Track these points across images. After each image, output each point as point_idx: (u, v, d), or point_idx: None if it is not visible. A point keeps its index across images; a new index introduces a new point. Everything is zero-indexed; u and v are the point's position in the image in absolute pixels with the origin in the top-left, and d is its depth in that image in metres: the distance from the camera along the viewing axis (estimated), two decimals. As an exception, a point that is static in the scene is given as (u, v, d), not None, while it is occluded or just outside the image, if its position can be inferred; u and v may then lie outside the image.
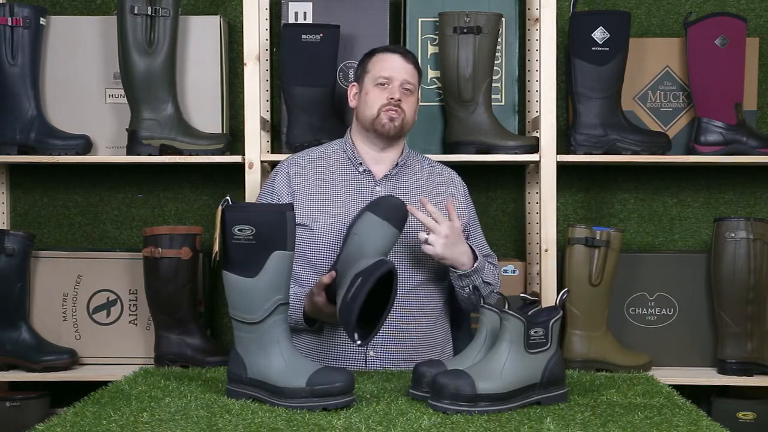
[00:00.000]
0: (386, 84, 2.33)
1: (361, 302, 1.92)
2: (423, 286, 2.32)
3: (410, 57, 2.38)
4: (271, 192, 2.38)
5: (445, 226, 2.19)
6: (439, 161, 2.52)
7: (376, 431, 1.58)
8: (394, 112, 2.32)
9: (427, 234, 2.20)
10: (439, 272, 2.33)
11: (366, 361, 2.27)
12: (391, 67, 2.35)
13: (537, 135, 2.75)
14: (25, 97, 2.76)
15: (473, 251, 2.28)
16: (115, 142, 2.86)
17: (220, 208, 1.82)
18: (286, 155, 2.61)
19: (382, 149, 2.37)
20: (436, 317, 2.35)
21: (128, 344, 2.78)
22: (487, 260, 2.39)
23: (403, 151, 2.40)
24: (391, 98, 2.32)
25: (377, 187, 2.34)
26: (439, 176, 2.43)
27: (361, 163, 2.36)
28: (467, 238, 2.38)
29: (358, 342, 1.98)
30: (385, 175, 2.36)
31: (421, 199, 2.23)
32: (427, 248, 2.20)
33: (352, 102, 2.42)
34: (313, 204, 2.31)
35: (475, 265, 2.25)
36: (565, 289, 1.93)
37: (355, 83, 2.41)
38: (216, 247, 1.83)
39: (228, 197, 1.85)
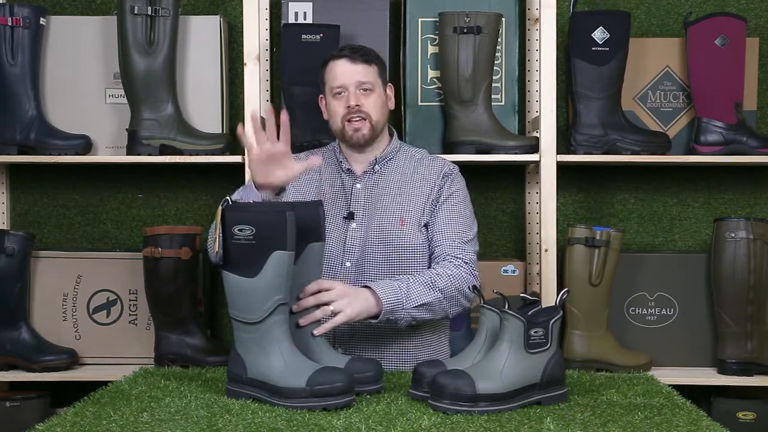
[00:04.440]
0: (341, 92, 2.33)
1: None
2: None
3: (358, 57, 2.33)
4: None
5: (333, 285, 2.04)
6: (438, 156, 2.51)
7: (376, 431, 1.58)
8: (357, 122, 2.31)
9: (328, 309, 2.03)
10: (417, 265, 2.30)
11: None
12: (341, 73, 2.32)
13: (537, 135, 2.75)
14: (25, 97, 2.76)
15: (374, 292, 2.13)
16: (115, 142, 2.86)
17: (219, 208, 1.82)
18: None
19: (361, 152, 2.39)
20: None
21: (128, 344, 2.78)
22: (442, 267, 2.26)
23: (387, 147, 2.40)
24: (349, 106, 2.31)
25: (357, 184, 2.37)
26: (422, 167, 2.40)
27: (343, 162, 2.39)
28: (426, 224, 2.32)
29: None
30: (365, 172, 2.38)
31: (302, 293, 1.99)
32: (340, 318, 2.03)
33: (324, 114, 2.43)
34: (301, 200, 2.32)
35: (384, 308, 2.11)
36: (565, 289, 1.93)
37: (323, 96, 2.42)
38: (216, 247, 1.83)
39: (228, 197, 1.85)
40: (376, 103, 2.34)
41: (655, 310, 2.82)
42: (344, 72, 2.32)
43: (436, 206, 2.34)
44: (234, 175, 2.83)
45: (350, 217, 2.32)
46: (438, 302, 2.20)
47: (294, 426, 1.61)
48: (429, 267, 2.32)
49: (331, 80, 2.34)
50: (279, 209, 1.81)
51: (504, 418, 1.67)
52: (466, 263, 2.28)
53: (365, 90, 2.33)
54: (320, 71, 2.40)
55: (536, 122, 2.78)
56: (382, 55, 2.52)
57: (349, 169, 2.38)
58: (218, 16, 2.89)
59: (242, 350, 1.83)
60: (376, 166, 2.37)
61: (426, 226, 2.34)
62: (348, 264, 2.30)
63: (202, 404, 1.77)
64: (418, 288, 2.18)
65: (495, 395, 1.70)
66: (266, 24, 2.87)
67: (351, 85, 2.32)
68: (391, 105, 2.43)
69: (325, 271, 2.27)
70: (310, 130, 2.74)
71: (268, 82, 2.92)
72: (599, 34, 2.74)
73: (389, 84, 2.43)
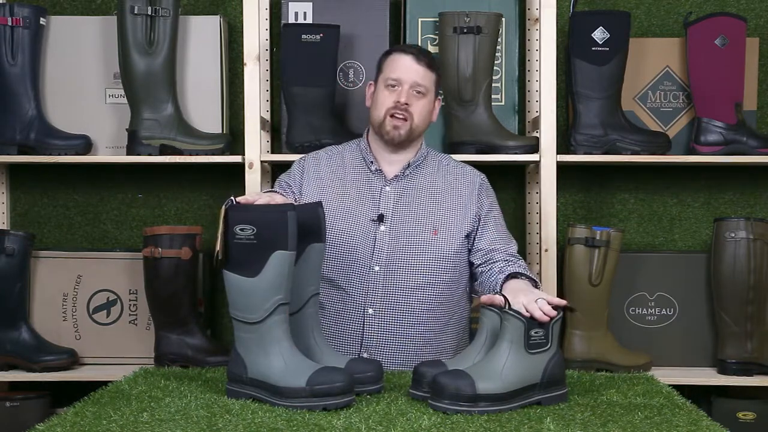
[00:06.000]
0: (395, 86, 2.32)
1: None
2: (427, 287, 2.30)
3: (424, 58, 2.35)
4: (286, 178, 2.41)
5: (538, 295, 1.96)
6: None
7: (376, 431, 1.58)
8: (399, 120, 2.31)
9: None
10: (449, 275, 2.31)
11: None
12: (401, 68, 2.33)
13: (537, 135, 2.75)
14: (25, 97, 2.76)
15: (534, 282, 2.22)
16: (115, 142, 2.86)
17: (223, 207, 1.82)
18: (286, 155, 2.62)
19: (393, 152, 2.37)
20: (444, 322, 2.34)
21: (128, 344, 2.78)
22: (516, 259, 2.36)
23: (419, 152, 2.40)
24: (398, 101, 2.30)
25: (387, 187, 2.35)
26: (453, 177, 2.41)
27: (372, 162, 2.37)
28: (478, 229, 2.36)
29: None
30: (396, 176, 2.36)
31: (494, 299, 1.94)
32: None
33: (368, 101, 2.42)
34: (323, 199, 2.31)
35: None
36: (563, 308, 1.89)
37: (373, 83, 2.42)
38: (218, 247, 1.82)
39: (232, 197, 1.85)
40: (423, 109, 2.34)
41: (655, 310, 2.82)
42: (406, 68, 2.32)
43: (480, 219, 2.37)
44: (234, 175, 2.83)
45: (380, 219, 2.31)
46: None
47: (294, 426, 1.61)
48: (467, 276, 2.38)
49: (390, 71, 2.34)
50: (280, 209, 1.81)
51: (504, 418, 1.67)
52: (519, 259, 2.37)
53: (418, 92, 2.33)
54: (380, 58, 2.41)
55: (536, 122, 2.78)
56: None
57: (379, 170, 2.37)
58: (218, 16, 2.89)
59: (242, 350, 1.83)
60: (407, 170, 2.37)
61: (468, 236, 2.35)
62: (377, 268, 2.29)
63: (202, 404, 1.78)
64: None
65: (495, 395, 1.70)
66: (266, 24, 2.87)
67: (407, 83, 2.32)
68: (434, 117, 2.43)
69: (353, 273, 2.28)
70: (310, 130, 2.74)
71: (268, 82, 2.92)
72: (599, 34, 2.74)
73: (438, 98, 2.44)
